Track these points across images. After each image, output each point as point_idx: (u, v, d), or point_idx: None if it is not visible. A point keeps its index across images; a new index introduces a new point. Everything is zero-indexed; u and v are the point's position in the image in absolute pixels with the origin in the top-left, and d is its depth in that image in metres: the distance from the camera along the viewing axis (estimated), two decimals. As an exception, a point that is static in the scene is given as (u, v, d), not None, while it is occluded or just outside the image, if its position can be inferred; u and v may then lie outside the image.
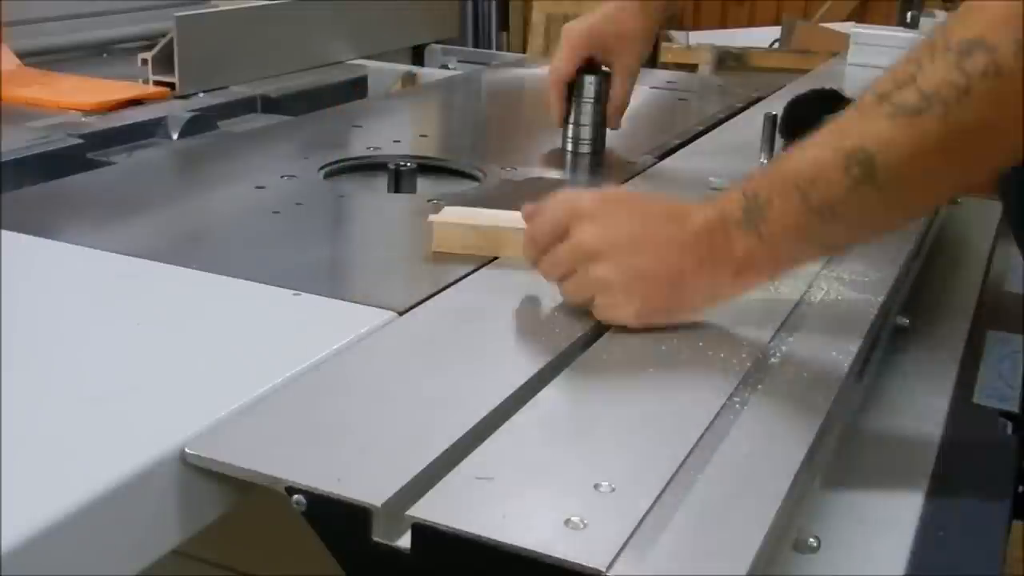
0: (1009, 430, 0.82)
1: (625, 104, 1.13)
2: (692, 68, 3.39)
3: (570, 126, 1.13)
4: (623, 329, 0.71)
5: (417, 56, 1.77)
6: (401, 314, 0.71)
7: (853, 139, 0.61)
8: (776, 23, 3.88)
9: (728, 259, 0.67)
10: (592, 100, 1.12)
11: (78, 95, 1.23)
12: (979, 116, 0.56)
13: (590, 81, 1.11)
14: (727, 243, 0.67)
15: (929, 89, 0.57)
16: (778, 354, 0.70)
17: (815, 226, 0.64)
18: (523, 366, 0.65)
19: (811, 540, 0.63)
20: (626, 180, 1.06)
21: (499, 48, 3.57)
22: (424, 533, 0.50)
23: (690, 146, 1.21)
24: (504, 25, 3.73)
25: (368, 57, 1.61)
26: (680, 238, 0.68)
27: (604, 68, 1.12)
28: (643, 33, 1.11)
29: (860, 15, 3.74)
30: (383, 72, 1.59)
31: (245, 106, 1.31)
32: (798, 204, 0.64)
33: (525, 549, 0.48)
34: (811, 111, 1.20)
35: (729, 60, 3.50)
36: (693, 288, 0.69)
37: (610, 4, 1.11)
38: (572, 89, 1.12)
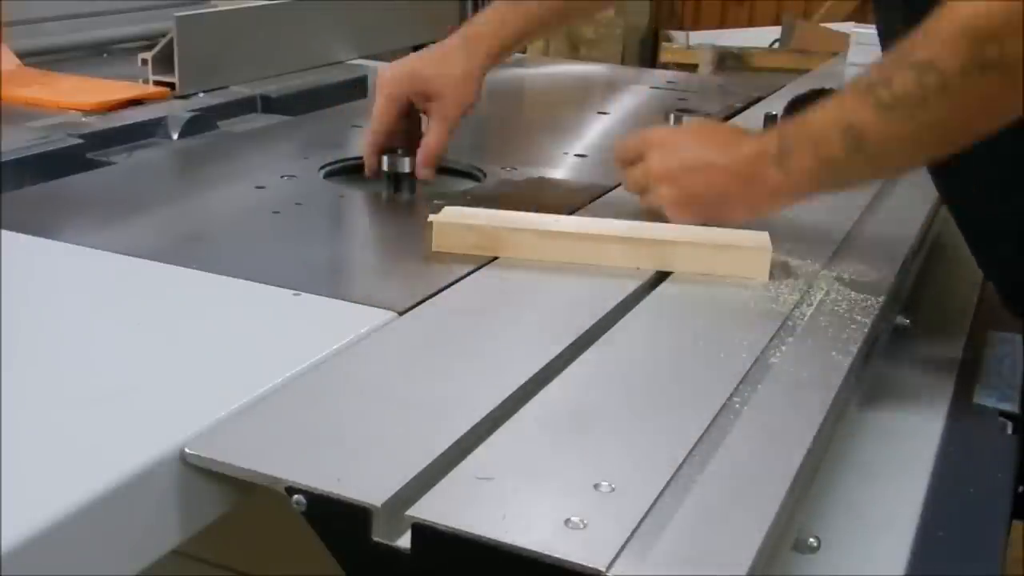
0: (1009, 430, 0.82)
1: (436, 154, 1.01)
2: (692, 68, 3.39)
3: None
4: (623, 329, 0.72)
5: (417, 55, 1.77)
6: (401, 314, 0.72)
7: (848, 116, 0.77)
8: (776, 23, 3.88)
9: (762, 186, 0.83)
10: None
11: (78, 95, 1.23)
12: (936, 118, 0.73)
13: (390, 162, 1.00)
14: (763, 173, 0.82)
15: (899, 93, 0.73)
16: (778, 354, 0.70)
17: (825, 173, 0.80)
18: (523, 366, 0.65)
19: (811, 540, 0.62)
20: (626, 180, 1.06)
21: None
22: (424, 533, 0.50)
23: (690, 146, 1.21)
24: (504, 25, 3.73)
25: (368, 57, 1.61)
26: (728, 166, 0.85)
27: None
28: (464, 77, 1.01)
29: (860, 15, 3.74)
30: (383, 72, 1.59)
31: (245, 106, 1.31)
32: (811, 154, 0.80)
33: (525, 549, 0.48)
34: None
35: (729, 60, 3.50)
36: (734, 205, 0.85)
37: (434, 46, 1.04)
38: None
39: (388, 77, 1.02)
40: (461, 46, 1.03)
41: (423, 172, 1.01)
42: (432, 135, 1.01)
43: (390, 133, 1.02)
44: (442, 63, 1.02)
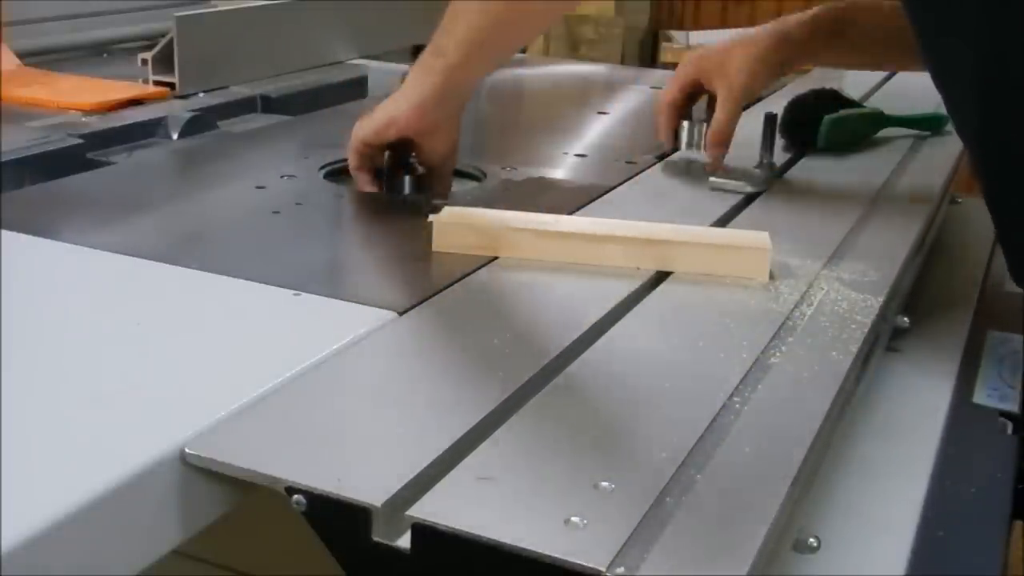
0: (1009, 430, 0.82)
1: (723, 133, 1.08)
2: (692, 68, 3.38)
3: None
4: (624, 328, 0.72)
5: (417, 56, 1.77)
6: (401, 314, 0.72)
7: None
8: (776, 23, 3.87)
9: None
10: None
11: (78, 95, 1.23)
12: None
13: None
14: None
15: None
16: (778, 354, 0.70)
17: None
18: (523, 365, 0.65)
19: (811, 540, 0.62)
20: (626, 180, 1.06)
21: (499, 48, 3.56)
22: (424, 533, 0.50)
23: (690, 146, 1.21)
24: (504, 25, 3.73)
25: (368, 57, 1.61)
26: None
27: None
28: (744, 64, 1.08)
29: (860, 15, 3.73)
30: (383, 72, 1.59)
31: (245, 106, 1.31)
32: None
33: (525, 549, 0.48)
34: (811, 111, 1.21)
35: (729, 60, 3.49)
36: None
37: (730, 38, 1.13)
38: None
39: (684, 58, 1.14)
40: (751, 40, 1.12)
41: (711, 154, 1.09)
42: (716, 114, 1.09)
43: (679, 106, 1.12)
44: (727, 52, 1.11)
